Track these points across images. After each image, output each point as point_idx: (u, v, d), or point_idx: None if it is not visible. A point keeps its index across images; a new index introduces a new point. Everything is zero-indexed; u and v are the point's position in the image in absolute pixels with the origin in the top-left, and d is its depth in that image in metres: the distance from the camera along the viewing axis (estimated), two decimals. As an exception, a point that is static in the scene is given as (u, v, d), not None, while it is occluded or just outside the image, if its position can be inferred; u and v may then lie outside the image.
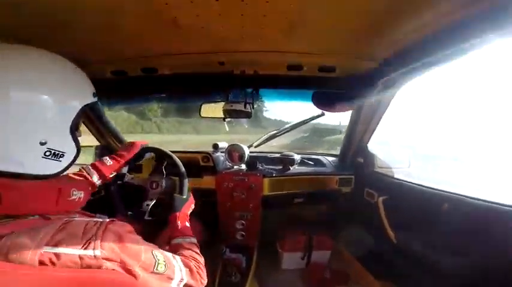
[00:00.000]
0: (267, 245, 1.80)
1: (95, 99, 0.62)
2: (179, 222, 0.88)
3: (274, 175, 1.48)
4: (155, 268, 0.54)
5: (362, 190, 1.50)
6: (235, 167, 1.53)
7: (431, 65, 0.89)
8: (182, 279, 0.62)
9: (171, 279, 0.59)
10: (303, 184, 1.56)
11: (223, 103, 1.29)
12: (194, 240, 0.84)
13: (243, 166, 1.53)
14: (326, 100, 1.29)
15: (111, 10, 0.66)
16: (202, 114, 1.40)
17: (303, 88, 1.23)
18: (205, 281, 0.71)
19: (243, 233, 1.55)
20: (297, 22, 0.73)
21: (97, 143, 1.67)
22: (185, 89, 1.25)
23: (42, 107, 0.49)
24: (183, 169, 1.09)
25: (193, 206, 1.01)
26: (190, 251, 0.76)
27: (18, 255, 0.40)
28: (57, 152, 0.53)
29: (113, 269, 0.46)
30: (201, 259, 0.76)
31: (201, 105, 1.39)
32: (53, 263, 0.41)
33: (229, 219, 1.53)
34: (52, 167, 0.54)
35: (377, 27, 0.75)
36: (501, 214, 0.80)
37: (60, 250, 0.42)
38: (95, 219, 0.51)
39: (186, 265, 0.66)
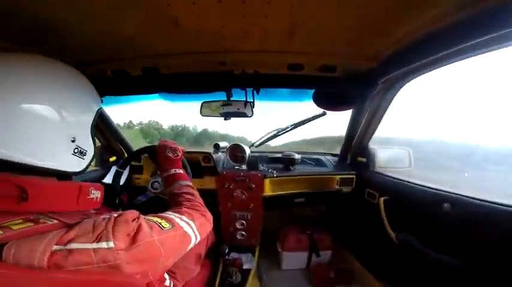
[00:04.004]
0: (267, 245, 1.80)
1: (102, 103, 0.69)
2: (163, 176, 0.90)
3: (275, 175, 1.48)
4: (161, 227, 0.55)
5: (363, 190, 1.49)
6: (236, 167, 1.53)
7: (431, 65, 0.89)
8: (189, 223, 0.64)
9: (182, 228, 0.61)
10: (303, 183, 1.56)
11: (223, 102, 1.29)
12: (185, 182, 0.85)
13: (244, 166, 1.53)
14: (327, 99, 1.30)
15: (112, 10, 0.67)
16: (203, 114, 1.41)
17: (304, 88, 1.23)
18: (209, 214, 0.74)
19: (243, 233, 1.55)
20: (298, 22, 0.73)
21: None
22: (186, 89, 1.25)
23: (73, 109, 0.56)
24: (141, 148, 1.18)
25: (166, 147, 0.96)
26: (181, 196, 0.77)
27: (26, 258, 0.39)
28: (82, 150, 0.59)
29: (129, 273, 0.45)
30: (193, 197, 0.78)
31: (201, 105, 1.40)
32: (65, 260, 0.40)
33: (230, 219, 1.53)
34: (78, 165, 0.59)
35: (377, 27, 0.75)
36: (502, 214, 0.79)
37: (72, 246, 0.41)
38: (103, 215, 0.51)
39: (181, 212, 0.67)
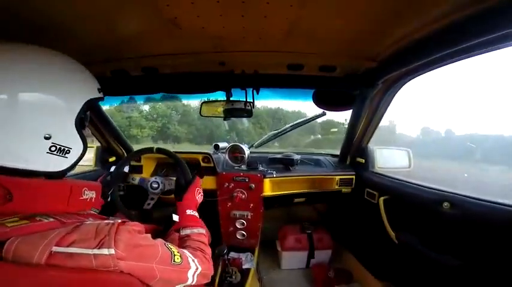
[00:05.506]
0: (267, 245, 1.81)
1: (100, 94, 0.63)
2: (185, 211, 0.89)
3: (274, 175, 1.48)
4: (172, 260, 0.56)
5: (363, 190, 1.49)
6: (235, 167, 1.53)
7: (431, 65, 0.89)
8: (197, 268, 0.64)
9: (188, 269, 0.61)
10: (303, 184, 1.56)
11: (223, 102, 1.29)
12: (202, 230, 0.85)
13: (244, 166, 1.53)
14: (326, 99, 1.29)
15: (112, 10, 0.67)
16: (203, 114, 1.41)
17: (303, 87, 1.23)
18: (212, 271, 0.73)
19: (243, 233, 1.55)
20: (297, 22, 0.73)
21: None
22: (185, 89, 1.25)
23: (44, 101, 0.49)
24: (176, 156, 1.13)
25: (199, 190, 0.99)
26: (197, 242, 0.78)
27: (25, 256, 0.39)
28: (62, 147, 0.53)
29: (128, 273, 0.46)
30: (208, 250, 0.78)
31: (201, 105, 1.40)
32: (64, 263, 0.40)
33: (230, 219, 1.53)
34: (58, 164, 0.53)
35: (377, 27, 0.75)
36: (502, 214, 0.80)
37: (72, 249, 0.41)
38: (106, 221, 0.50)
39: (195, 256, 0.68)
